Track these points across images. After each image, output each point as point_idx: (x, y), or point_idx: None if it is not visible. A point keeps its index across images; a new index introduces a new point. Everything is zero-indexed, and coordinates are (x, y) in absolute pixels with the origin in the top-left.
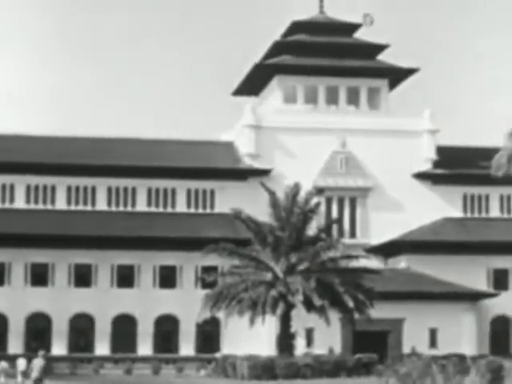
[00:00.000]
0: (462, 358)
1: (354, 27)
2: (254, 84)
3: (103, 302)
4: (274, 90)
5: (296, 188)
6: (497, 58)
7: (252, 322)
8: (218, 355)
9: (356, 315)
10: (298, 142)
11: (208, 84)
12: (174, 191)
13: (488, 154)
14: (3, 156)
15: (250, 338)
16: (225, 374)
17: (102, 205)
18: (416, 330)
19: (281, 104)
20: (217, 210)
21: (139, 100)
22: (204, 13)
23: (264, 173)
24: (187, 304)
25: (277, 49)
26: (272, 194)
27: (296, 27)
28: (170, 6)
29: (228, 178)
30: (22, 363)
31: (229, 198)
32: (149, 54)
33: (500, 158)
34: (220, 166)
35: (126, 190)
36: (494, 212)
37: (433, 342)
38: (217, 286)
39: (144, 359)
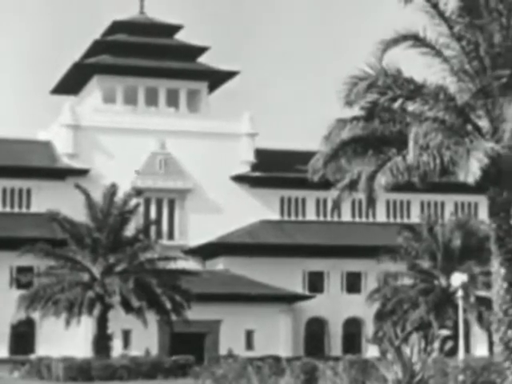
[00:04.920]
0: (277, 359)
1: (175, 29)
2: (73, 83)
3: None
4: (94, 90)
5: (112, 188)
6: (316, 62)
7: (68, 323)
8: (32, 357)
9: (173, 317)
10: (117, 143)
11: (26, 82)
12: None
13: (305, 157)
14: None
15: (66, 339)
16: (39, 375)
17: None
18: (233, 331)
19: (100, 104)
20: (33, 209)
21: None
22: (25, 9)
23: (82, 173)
24: (1, 305)
25: (97, 48)
26: (87, 194)
27: (116, 27)
28: None
29: (45, 178)
30: None
31: (46, 198)
32: None
33: (316, 161)
34: (37, 165)
35: None
36: (310, 215)
37: (249, 344)
38: (32, 287)
39: None
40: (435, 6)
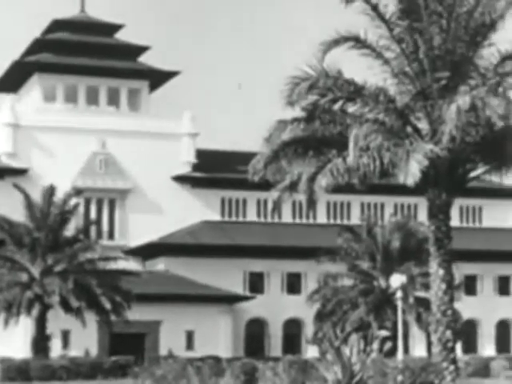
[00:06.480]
0: (217, 359)
1: (116, 28)
2: (13, 81)
3: None
4: (34, 88)
5: (51, 189)
6: (258, 63)
7: (6, 323)
8: None
9: (113, 317)
10: (58, 142)
11: None
12: None
13: (246, 158)
14: None
15: (5, 339)
16: None
17: None
18: (173, 332)
19: (40, 102)
20: None
21: None
22: None
23: (21, 172)
24: None
25: (37, 46)
26: (26, 194)
27: (57, 25)
28: None
29: None
30: None
31: None
32: None
33: (257, 162)
34: None
35: None
36: (251, 216)
37: (189, 345)
38: None
39: None
40: (375, 9)
